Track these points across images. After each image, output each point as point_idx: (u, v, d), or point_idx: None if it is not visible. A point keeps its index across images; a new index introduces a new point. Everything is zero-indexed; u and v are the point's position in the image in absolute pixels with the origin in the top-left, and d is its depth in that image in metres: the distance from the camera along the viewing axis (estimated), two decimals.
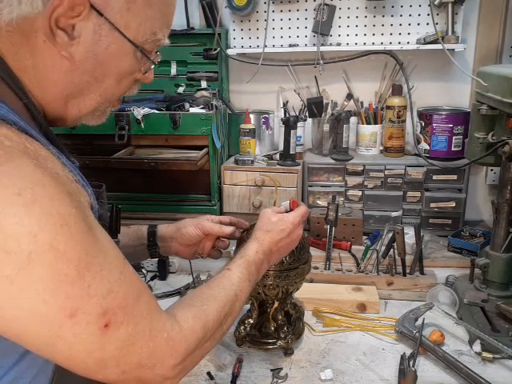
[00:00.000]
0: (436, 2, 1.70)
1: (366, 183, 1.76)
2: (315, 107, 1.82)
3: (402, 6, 1.76)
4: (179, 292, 1.52)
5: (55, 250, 0.52)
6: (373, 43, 1.81)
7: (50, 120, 0.69)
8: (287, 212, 1.04)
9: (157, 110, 1.68)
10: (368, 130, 1.84)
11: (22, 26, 0.59)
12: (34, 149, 0.56)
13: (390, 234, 1.54)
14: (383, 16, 1.78)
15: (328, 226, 1.61)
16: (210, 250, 1.18)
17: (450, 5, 1.69)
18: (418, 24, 1.76)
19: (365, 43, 1.82)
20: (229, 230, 1.13)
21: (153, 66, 0.74)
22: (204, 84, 1.93)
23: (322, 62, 1.80)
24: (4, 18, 0.57)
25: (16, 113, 0.58)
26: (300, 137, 1.83)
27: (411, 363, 1.11)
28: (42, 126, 0.63)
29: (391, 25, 1.79)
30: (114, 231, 0.81)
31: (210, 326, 0.73)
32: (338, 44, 1.83)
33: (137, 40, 0.66)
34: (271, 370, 1.15)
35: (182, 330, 0.67)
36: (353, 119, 1.86)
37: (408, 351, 1.19)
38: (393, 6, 1.76)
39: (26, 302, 0.51)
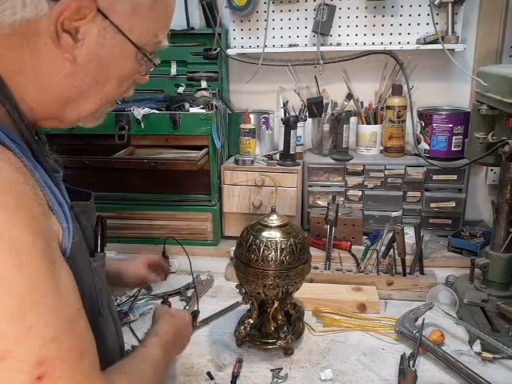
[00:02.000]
0: (436, 2, 1.70)
1: (366, 183, 1.76)
2: (315, 107, 1.82)
3: (402, 6, 1.76)
4: (179, 292, 1.52)
5: None
6: (373, 43, 1.81)
7: (43, 122, 0.68)
8: None
9: (157, 109, 1.68)
10: (368, 130, 1.84)
11: (23, 29, 0.58)
12: (7, 159, 0.53)
13: (390, 234, 1.54)
14: (383, 16, 1.78)
15: (328, 226, 1.61)
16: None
17: (449, 5, 1.69)
18: (418, 24, 1.76)
19: (365, 43, 1.82)
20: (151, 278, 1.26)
21: (152, 69, 0.73)
22: (204, 84, 1.93)
23: (321, 61, 1.80)
24: (6, 20, 0.56)
25: None
26: (300, 137, 1.83)
27: (411, 363, 1.11)
28: (23, 135, 0.61)
29: (391, 25, 1.78)
30: (99, 245, 0.77)
31: None
32: (338, 44, 1.82)
33: (139, 42, 0.66)
34: (271, 370, 1.15)
35: None
36: (353, 119, 1.86)
37: (408, 351, 1.19)
38: (393, 6, 1.77)
39: None
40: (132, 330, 1.30)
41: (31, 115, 0.65)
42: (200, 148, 1.68)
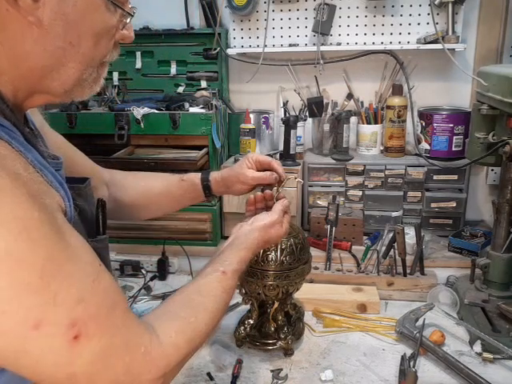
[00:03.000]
0: (436, 2, 1.70)
1: (366, 183, 1.76)
2: (315, 107, 1.81)
3: (402, 6, 1.76)
4: None
5: (14, 258, 0.48)
6: (373, 43, 1.81)
7: (32, 100, 0.65)
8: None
9: (156, 109, 1.67)
10: (368, 129, 1.84)
11: None
12: None
13: (391, 234, 1.53)
14: (383, 16, 1.78)
15: (328, 226, 1.61)
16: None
17: (450, 4, 1.68)
18: (418, 24, 1.76)
19: (365, 43, 1.82)
20: (269, 179, 1.08)
21: (129, 20, 0.68)
22: (204, 84, 1.92)
23: (322, 61, 1.80)
24: None
25: None
26: (300, 137, 1.82)
27: (412, 364, 1.11)
28: (10, 119, 0.59)
29: (391, 24, 1.78)
30: (99, 228, 0.76)
31: (198, 341, 0.69)
32: (338, 44, 1.82)
33: None
34: (271, 370, 1.15)
35: (162, 345, 0.62)
36: (353, 119, 1.85)
37: (408, 352, 1.19)
38: (393, 6, 1.76)
39: None
40: None
41: (13, 96, 0.62)
42: (200, 148, 1.68)
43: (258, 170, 1.09)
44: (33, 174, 0.56)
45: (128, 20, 0.68)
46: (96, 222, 0.75)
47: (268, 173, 1.08)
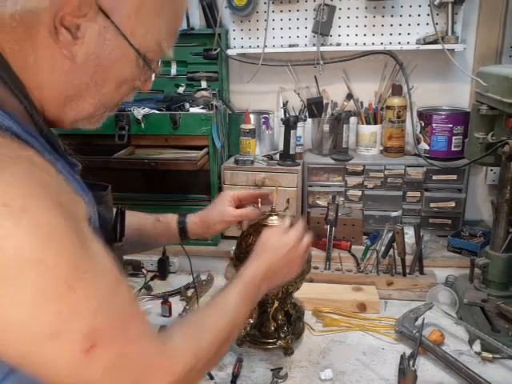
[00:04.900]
0: (436, 2, 1.70)
1: (365, 183, 1.76)
2: (315, 107, 1.82)
3: (401, 6, 1.76)
4: (179, 292, 1.53)
5: (43, 264, 0.50)
6: (373, 43, 1.82)
7: (48, 121, 0.67)
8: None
9: (157, 110, 1.68)
10: (368, 130, 1.84)
11: (25, 20, 0.57)
12: (28, 156, 0.54)
13: (390, 234, 1.54)
14: (383, 16, 1.78)
15: (328, 226, 1.61)
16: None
17: (449, 5, 1.69)
18: (418, 24, 1.76)
19: (365, 43, 1.82)
20: (252, 214, 1.13)
21: (153, 76, 0.72)
22: (204, 84, 1.93)
23: (321, 62, 1.80)
24: (8, 10, 0.55)
25: (13, 116, 0.56)
26: (300, 137, 1.83)
27: (411, 363, 1.11)
28: (42, 130, 0.62)
29: (391, 25, 1.79)
30: (118, 235, 0.78)
31: (203, 354, 0.69)
32: (338, 44, 1.83)
33: (141, 48, 0.64)
34: (271, 369, 1.15)
35: (174, 357, 0.64)
36: (353, 119, 1.86)
37: (408, 351, 1.19)
38: (393, 7, 1.77)
39: (11, 314, 0.49)
40: None
41: (41, 112, 0.65)
42: (200, 148, 1.68)
43: (238, 207, 1.14)
44: (61, 182, 0.57)
45: (153, 77, 0.71)
46: (113, 230, 0.76)
47: (250, 208, 1.13)
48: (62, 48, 0.60)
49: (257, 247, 0.97)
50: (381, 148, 1.86)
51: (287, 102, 1.92)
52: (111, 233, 0.77)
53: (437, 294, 1.41)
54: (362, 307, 1.39)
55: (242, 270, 0.89)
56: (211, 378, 1.12)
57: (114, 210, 0.84)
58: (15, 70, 0.60)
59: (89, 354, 0.53)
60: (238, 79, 1.97)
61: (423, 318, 1.27)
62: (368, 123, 1.85)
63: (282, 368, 1.15)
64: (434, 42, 1.69)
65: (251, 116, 1.82)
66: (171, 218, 1.14)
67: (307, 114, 1.86)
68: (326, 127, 1.84)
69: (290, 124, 1.74)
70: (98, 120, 0.72)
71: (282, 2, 1.83)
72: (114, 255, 0.70)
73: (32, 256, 0.49)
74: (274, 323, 1.24)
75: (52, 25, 0.58)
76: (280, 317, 1.22)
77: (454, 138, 1.72)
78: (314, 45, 1.81)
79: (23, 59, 0.60)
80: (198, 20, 1.92)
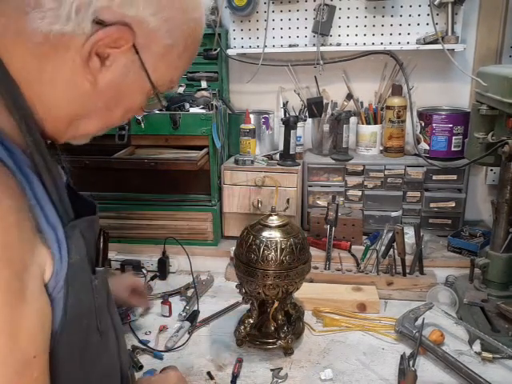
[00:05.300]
0: (436, 2, 1.70)
1: (365, 183, 1.76)
2: (315, 107, 1.82)
3: (401, 6, 1.76)
4: (179, 292, 1.53)
5: None
6: (373, 43, 1.81)
7: (44, 135, 0.66)
8: None
9: (157, 110, 1.67)
10: (368, 130, 1.84)
11: (55, 40, 0.58)
12: None
13: (390, 234, 1.54)
14: (383, 16, 1.78)
15: (328, 226, 1.61)
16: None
17: (449, 5, 1.69)
18: (418, 24, 1.76)
19: (365, 43, 1.82)
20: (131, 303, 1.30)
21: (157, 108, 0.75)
22: (204, 84, 1.92)
23: (321, 62, 1.80)
24: (43, 28, 0.56)
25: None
26: (300, 137, 1.83)
27: (411, 363, 1.11)
28: (28, 147, 0.59)
29: (391, 25, 1.79)
30: (101, 259, 0.74)
31: None
32: (338, 44, 1.83)
33: (157, 83, 0.66)
34: (271, 369, 1.15)
35: None
36: (353, 119, 1.86)
37: (408, 351, 1.19)
38: (393, 6, 1.77)
39: None
40: (132, 330, 1.30)
41: (42, 128, 0.64)
42: (200, 148, 1.68)
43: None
44: (23, 216, 0.54)
45: (156, 110, 0.74)
46: (96, 255, 0.73)
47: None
48: (88, 73, 0.61)
49: None
50: (381, 148, 1.86)
51: (287, 102, 1.92)
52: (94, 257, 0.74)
53: (437, 294, 1.41)
54: (362, 307, 1.39)
55: None
56: (211, 378, 1.12)
57: None
58: (18, 83, 0.59)
59: None
60: (238, 79, 1.97)
61: (423, 318, 1.27)
62: (368, 123, 1.85)
63: (281, 368, 1.15)
64: (434, 41, 1.69)
65: (251, 116, 1.82)
66: None
67: (307, 114, 1.86)
68: (326, 127, 1.84)
69: (290, 124, 1.74)
70: (91, 137, 0.73)
71: (281, 2, 1.83)
72: (98, 282, 0.69)
73: None
74: (273, 323, 1.24)
75: (87, 51, 0.59)
76: (280, 317, 1.22)
77: (453, 137, 1.72)
78: (314, 45, 1.81)
79: (39, 74, 0.60)
80: None
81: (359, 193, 1.78)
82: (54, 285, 0.59)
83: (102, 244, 0.74)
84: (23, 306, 0.53)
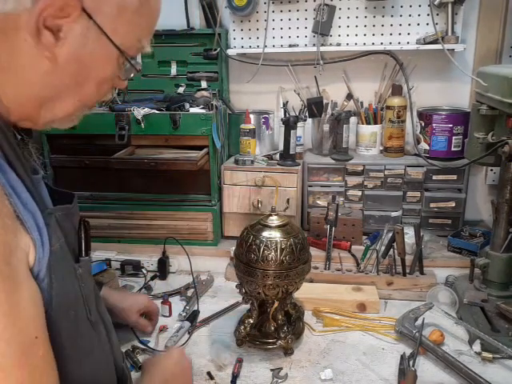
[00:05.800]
0: (436, 2, 1.70)
1: (365, 183, 1.76)
2: (315, 107, 1.82)
3: (401, 6, 1.76)
4: (179, 292, 1.53)
5: None
6: (373, 43, 1.82)
7: (18, 123, 0.65)
8: None
9: (157, 110, 1.68)
10: (368, 130, 1.84)
11: (1, 23, 0.56)
12: None
13: (390, 234, 1.54)
14: (383, 16, 1.78)
15: (328, 226, 1.61)
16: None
17: (449, 5, 1.69)
18: (418, 24, 1.76)
19: (365, 43, 1.82)
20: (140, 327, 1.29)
21: (132, 74, 0.71)
22: (204, 84, 1.93)
23: (321, 62, 1.80)
24: None
25: None
26: (300, 137, 1.83)
27: (411, 363, 1.11)
28: None
29: (391, 25, 1.79)
30: (84, 248, 0.74)
31: None
32: (338, 44, 1.83)
33: (122, 46, 0.64)
34: (271, 369, 1.15)
35: None
36: (353, 119, 1.86)
37: (408, 351, 1.19)
38: (393, 6, 1.77)
39: None
40: (132, 330, 1.30)
41: (7, 116, 0.62)
42: (200, 148, 1.69)
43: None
44: (4, 205, 0.54)
45: (132, 75, 0.70)
46: (78, 244, 0.73)
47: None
48: (44, 50, 0.59)
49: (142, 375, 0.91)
50: (381, 148, 1.86)
51: (287, 102, 1.92)
52: (77, 248, 0.74)
53: (437, 294, 1.41)
54: (362, 307, 1.39)
55: None
56: (211, 378, 1.12)
57: None
58: None
59: None
60: (238, 79, 1.97)
61: (423, 318, 1.27)
62: (368, 123, 1.85)
63: (281, 368, 1.15)
64: (434, 42, 1.69)
65: (251, 116, 1.82)
66: None
67: (307, 114, 1.86)
68: (326, 127, 1.84)
69: (290, 124, 1.74)
70: (74, 119, 0.70)
71: (281, 2, 1.83)
72: (83, 271, 0.69)
73: None
74: (273, 323, 1.24)
75: (34, 26, 0.56)
76: (280, 317, 1.22)
77: (453, 138, 1.72)
78: (314, 45, 1.81)
79: None
80: (197, 20, 1.92)
81: (359, 193, 1.78)
82: (37, 271, 0.59)
83: (83, 233, 0.74)
84: (19, 288, 0.53)
